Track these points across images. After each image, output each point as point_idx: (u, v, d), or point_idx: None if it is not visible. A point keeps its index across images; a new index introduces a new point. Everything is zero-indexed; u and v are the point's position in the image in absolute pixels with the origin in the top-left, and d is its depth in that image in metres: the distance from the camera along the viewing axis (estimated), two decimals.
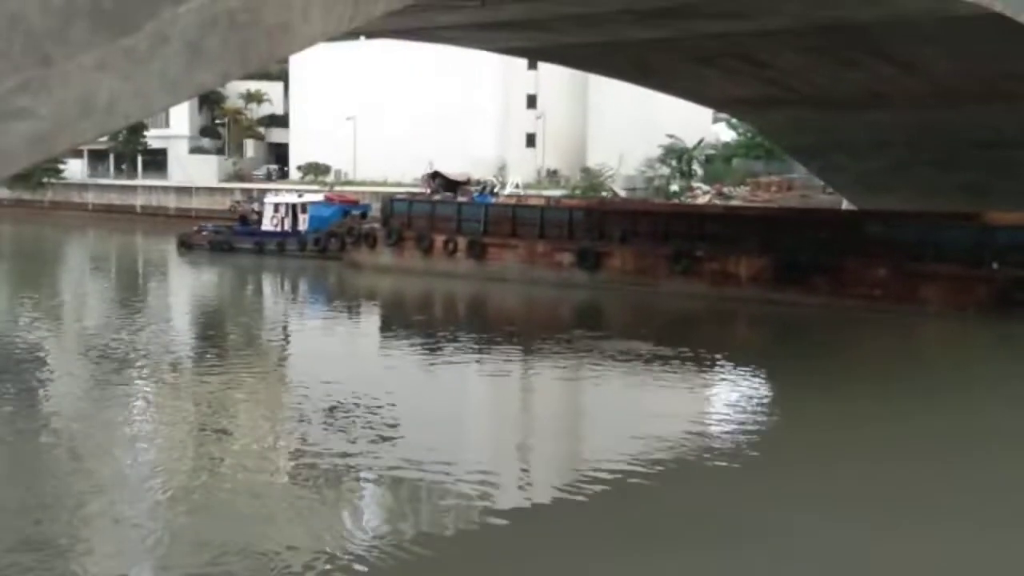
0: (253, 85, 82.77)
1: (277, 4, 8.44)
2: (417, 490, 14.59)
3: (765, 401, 22.11)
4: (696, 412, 20.75)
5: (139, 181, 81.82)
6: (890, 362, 26.13)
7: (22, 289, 41.17)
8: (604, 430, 18.92)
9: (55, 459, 16.44)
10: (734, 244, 35.41)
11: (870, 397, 20.81)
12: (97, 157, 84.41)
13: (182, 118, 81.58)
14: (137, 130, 77.00)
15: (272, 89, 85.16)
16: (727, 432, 18.60)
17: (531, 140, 74.02)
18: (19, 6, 7.09)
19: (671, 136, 66.98)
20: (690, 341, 27.57)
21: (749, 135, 67.17)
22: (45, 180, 76.98)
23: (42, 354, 26.17)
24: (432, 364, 25.49)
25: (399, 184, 62.36)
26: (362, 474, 15.58)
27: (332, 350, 28.08)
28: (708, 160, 70.41)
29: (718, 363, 25.34)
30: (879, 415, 19.29)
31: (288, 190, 58.15)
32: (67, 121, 7.64)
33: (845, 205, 44.86)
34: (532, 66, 65.35)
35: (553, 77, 67.07)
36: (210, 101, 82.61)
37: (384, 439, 17.30)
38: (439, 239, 41.32)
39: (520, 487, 15.67)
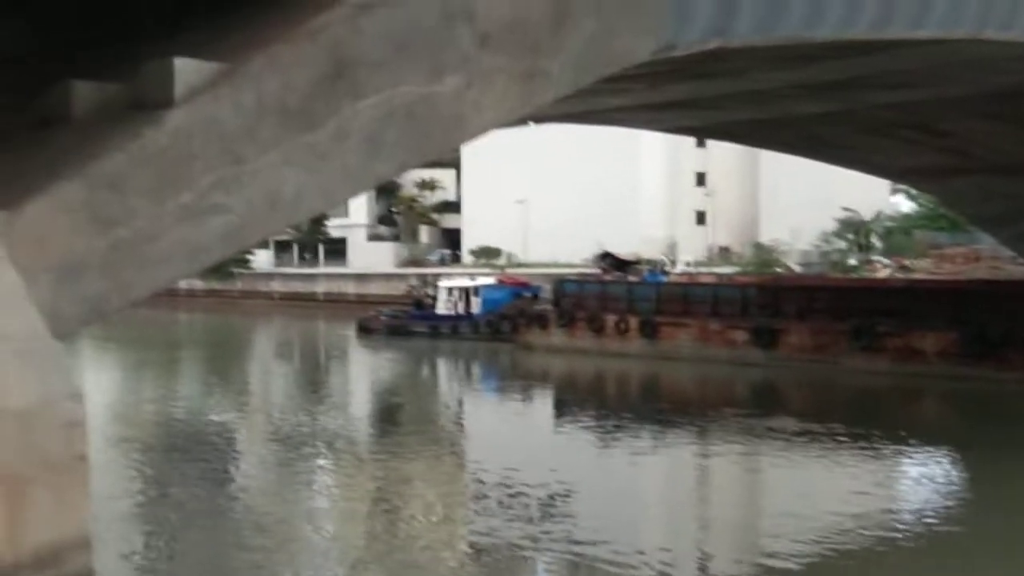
0: (427, 173, 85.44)
1: (451, 96, 8.73)
2: (594, 572, 14.39)
3: (959, 485, 20.93)
4: (884, 495, 19.80)
5: (321, 269, 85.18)
6: None
7: (212, 375, 43.18)
8: (784, 513, 18.26)
9: (242, 532, 17.06)
10: (919, 318, 34.01)
11: None
12: (282, 247, 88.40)
13: (360, 207, 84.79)
14: (319, 220, 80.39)
15: (445, 176, 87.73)
16: (919, 518, 17.66)
17: (701, 218, 73.49)
18: (214, 109, 7.55)
19: (847, 209, 65.30)
20: (875, 420, 26.47)
21: (930, 205, 64.83)
22: (235, 271, 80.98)
23: (230, 435, 27.30)
24: (607, 446, 25.28)
25: (569, 265, 62.80)
26: (537, 554, 15.49)
27: (506, 431, 28.23)
28: (887, 232, 68.23)
29: (906, 443, 24.19)
30: None
31: (461, 274, 59.39)
32: (257, 215, 8.05)
33: None
34: (700, 143, 65.22)
35: (722, 153, 66.68)
36: (386, 190, 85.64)
37: (559, 519, 17.20)
38: (611, 319, 41.26)
39: (700, 570, 15.26)
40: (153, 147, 7.28)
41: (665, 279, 46.11)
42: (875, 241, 66.75)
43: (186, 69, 7.50)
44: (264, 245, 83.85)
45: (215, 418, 30.02)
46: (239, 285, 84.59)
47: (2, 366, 5.66)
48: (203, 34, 8.53)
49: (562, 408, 32.72)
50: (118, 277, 7.17)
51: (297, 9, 8.18)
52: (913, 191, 61.60)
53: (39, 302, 6.26)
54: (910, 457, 23.11)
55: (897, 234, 68.13)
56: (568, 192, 72.58)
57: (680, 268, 55.38)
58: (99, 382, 36.29)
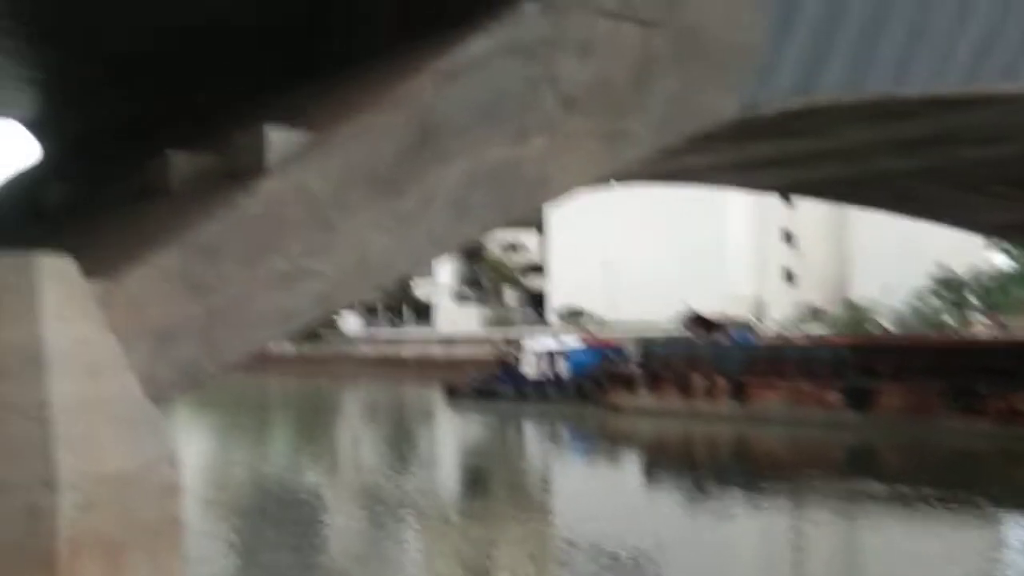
0: (511, 234, 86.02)
1: (536, 159, 8.78)
2: None
3: None
4: (987, 567, 19.03)
5: (408, 331, 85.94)
6: None
7: (302, 437, 43.63)
8: None
9: None
10: (1022, 379, 32.90)
11: None
12: (370, 310, 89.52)
13: (446, 269, 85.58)
14: (406, 283, 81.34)
15: (529, 237, 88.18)
16: None
17: (789, 275, 72.51)
18: (304, 176, 7.72)
19: (941, 265, 63.84)
20: (977, 485, 25.56)
21: None
22: (324, 334, 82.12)
23: (320, 498, 27.46)
24: (698, 510, 24.82)
25: (655, 325, 62.37)
26: None
27: (595, 494, 27.90)
28: (984, 290, 66.43)
29: (1010, 509, 23.28)
30: None
31: (547, 336, 59.35)
32: (346, 279, 8.17)
33: None
34: (786, 200, 64.57)
35: (810, 209, 65.90)
36: (472, 252, 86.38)
37: None
38: (698, 380, 40.74)
39: None
40: (246, 215, 7.46)
41: (753, 339, 45.44)
42: (971, 299, 65.03)
43: (277, 138, 7.69)
44: (352, 308, 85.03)
45: (305, 481, 30.26)
46: (328, 349, 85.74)
47: (101, 431, 5.78)
48: (293, 102, 8.75)
49: (651, 471, 32.27)
50: (212, 342, 7.31)
51: (383, 77, 8.35)
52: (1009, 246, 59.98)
53: (137, 367, 6.40)
54: (1016, 524, 22.22)
55: (995, 291, 66.29)
56: (653, 251, 72.36)
57: (768, 327, 54.56)
58: (192, 445, 36.93)
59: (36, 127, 13.63)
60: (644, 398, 42.60)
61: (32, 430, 5.56)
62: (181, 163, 8.20)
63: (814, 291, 70.80)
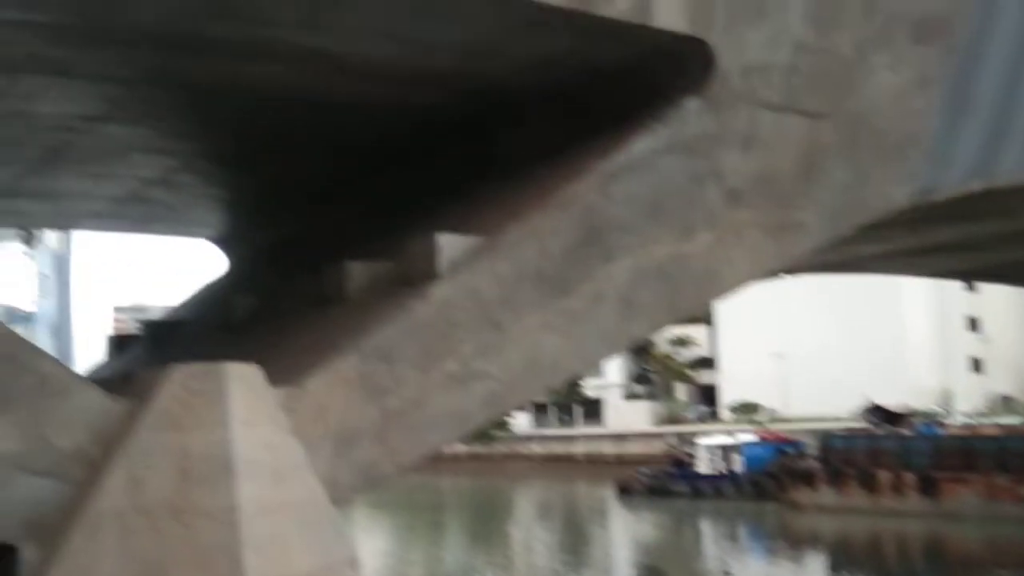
0: (679, 329, 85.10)
1: (703, 254, 8.74)
2: None
3: None
4: None
5: (578, 430, 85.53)
6: None
7: (475, 537, 43.68)
8: None
9: None
10: None
11: None
12: (540, 409, 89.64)
13: (615, 366, 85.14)
14: (575, 381, 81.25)
15: (698, 331, 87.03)
16: None
17: (976, 364, 69.07)
18: (475, 280, 7.90)
19: None
20: None
21: None
22: (495, 434, 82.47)
23: None
24: None
25: (833, 419, 60.16)
26: None
27: None
28: None
29: None
30: None
31: (720, 431, 58.03)
32: (517, 380, 8.24)
33: None
34: (969, 286, 61.86)
35: (995, 294, 62.92)
36: (640, 348, 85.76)
37: None
38: (884, 475, 38.92)
39: None
40: (420, 319, 7.67)
41: (942, 431, 43.26)
42: None
43: (448, 244, 7.92)
44: (522, 407, 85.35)
45: None
46: (499, 448, 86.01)
47: (287, 534, 5.96)
48: (461, 206, 9.01)
49: (838, 573, 30.81)
50: (389, 444, 7.47)
51: (548, 179, 8.52)
52: None
53: (319, 471, 6.59)
54: None
55: None
56: (828, 341, 70.22)
57: (957, 419, 51.91)
58: (370, 546, 37.44)
59: (223, 243, 14.45)
60: (825, 495, 40.92)
61: (222, 534, 5.78)
62: (357, 271, 8.53)
63: (1004, 379, 67.10)
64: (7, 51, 7.83)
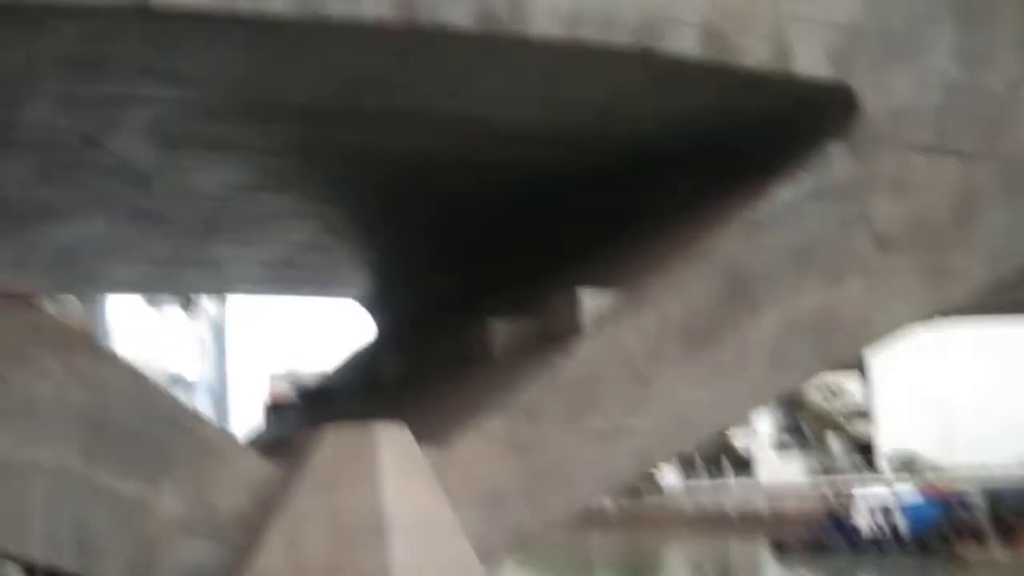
0: (830, 377, 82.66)
1: (853, 301, 8.49)
2: None
3: None
4: None
5: (728, 483, 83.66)
6: None
7: None
8: None
9: None
10: None
11: None
12: (687, 462, 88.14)
13: (764, 417, 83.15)
14: (723, 434, 79.68)
15: (850, 379, 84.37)
16: None
17: None
18: (619, 334, 7.84)
19: None
20: None
21: None
22: (643, 488, 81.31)
23: None
24: None
25: (1000, 471, 57.23)
26: None
27: None
28: None
29: None
30: None
31: (878, 483, 55.88)
32: (664, 434, 8.12)
33: None
34: None
35: None
36: (791, 399, 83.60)
37: None
38: None
39: None
40: (565, 376, 7.66)
41: None
42: None
43: (591, 299, 7.91)
44: (670, 462, 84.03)
45: None
46: (648, 503, 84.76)
47: None
48: (601, 260, 8.99)
49: None
50: (537, 502, 7.45)
51: (689, 229, 8.44)
52: None
53: (468, 529, 6.61)
54: None
55: None
56: (992, 389, 67.07)
57: None
58: None
59: (371, 304, 14.78)
60: (996, 551, 38.88)
61: None
62: (501, 330, 8.59)
63: None
64: (169, 128, 8.25)
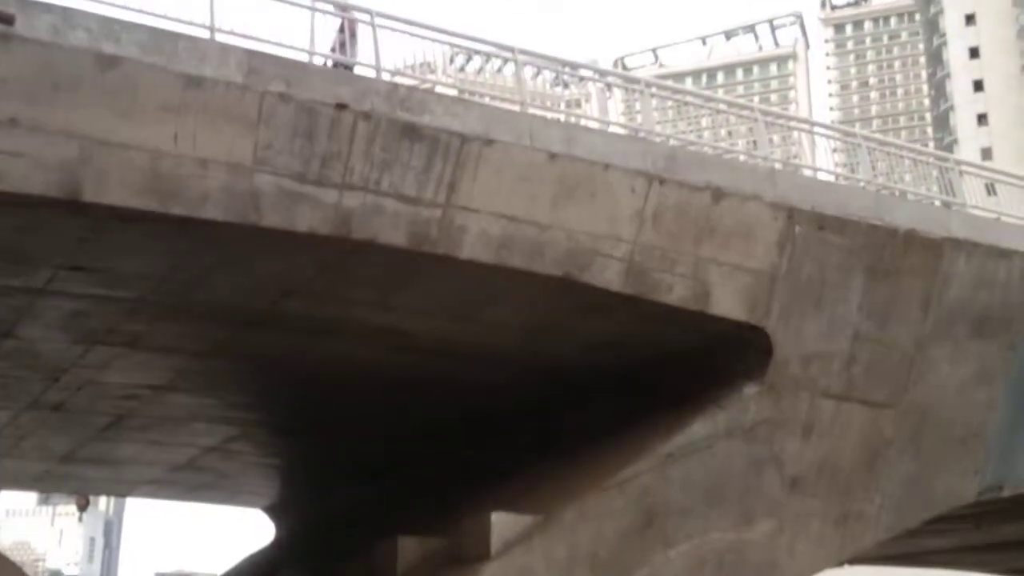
0: None
1: (763, 542, 8.47)
2: None
3: None
4: None
5: None
6: None
7: None
8: None
9: None
10: None
11: None
12: None
13: None
14: None
15: None
16: None
17: None
18: (528, 560, 7.67)
19: None
20: None
21: None
22: None
23: None
24: None
25: None
26: None
27: None
28: None
29: None
30: None
31: None
32: None
33: None
34: None
35: None
36: None
37: None
38: None
39: None
40: None
41: None
42: None
43: (502, 523, 7.77)
44: None
45: None
46: None
47: None
48: (517, 485, 8.89)
49: None
50: None
51: (606, 460, 8.43)
52: None
53: None
54: None
55: None
56: None
57: None
58: None
59: (274, 512, 14.32)
60: None
61: None
62: (409, 547, 8.35)
63: None
64: (87, 324, 8.14)
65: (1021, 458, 9.73)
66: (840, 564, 13.19)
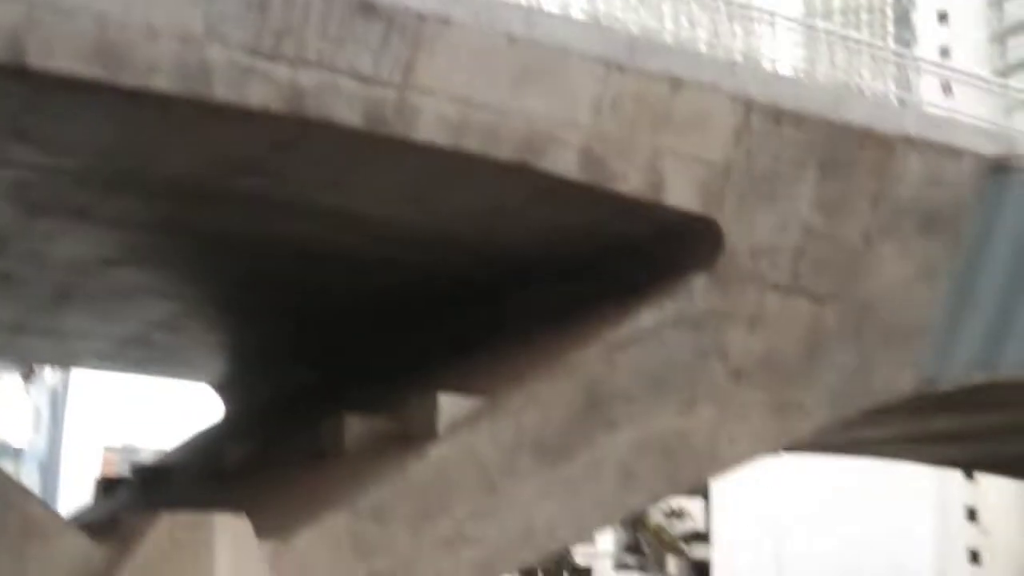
0: (674, 501, 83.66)
1: (705, 429, 8.67)
2: None
3: None
4: None
5: None
6: None
7: None
8: None
9: None
10: None
11: None
12: (527, 574, 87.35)
13: (607, 536, 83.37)
14: (566, 549, 79.44)
15: (694, 505, 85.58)
16: None
17: (975, 556, 67.62)
18: (475, 442, 7.81)
19: None
20: None
21: None
22: None
23: None
24: None
25: None
26: None
27: None
28: None
29: None
30: None
31: None
32: (509, 545, 8.05)
33: None
34: (969, 476, 61.14)
35: (998, 484, 62.09)
36: (633, 518, 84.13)
37: None
38: None
39: None
40: (416, 478, 7.56)
41: None
42: None
43: (450, 404, 7.88)
44: (510, 574, 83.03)
45: None
46: None
47: None
48: (464, 368, 9.00)
49: None
50: None
51: (553, 345, 8.54)
52: None
53: None
54: None
55: None
56: (827, 523, 68.95)
57: None
58: None
59: (222, 389, 14.38)
60: None
61: None
62: (356, 426, 8.44)
63: (1002, 573, 65.53)
64: (32, 194, 7.98)
65: (958, 353, 9.98)
66: (777, 452, 13.61)
